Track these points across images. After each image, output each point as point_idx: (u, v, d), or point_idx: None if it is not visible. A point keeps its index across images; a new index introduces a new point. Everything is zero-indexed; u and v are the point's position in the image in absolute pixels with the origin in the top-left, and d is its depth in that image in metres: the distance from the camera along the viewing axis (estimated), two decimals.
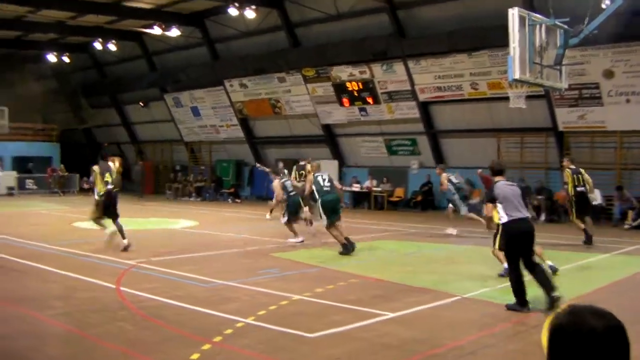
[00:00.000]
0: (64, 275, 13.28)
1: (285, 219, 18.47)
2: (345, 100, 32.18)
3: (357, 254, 16.41)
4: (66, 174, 43.31)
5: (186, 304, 10.47)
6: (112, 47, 38.93)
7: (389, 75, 30.06)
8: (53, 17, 35.61)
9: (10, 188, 40.93)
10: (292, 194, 18.46)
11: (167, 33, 35.10)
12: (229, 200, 36.82)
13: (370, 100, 31.33)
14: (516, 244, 10.31)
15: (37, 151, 44.92)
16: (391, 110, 30.99)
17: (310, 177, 17.33)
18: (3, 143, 42.87)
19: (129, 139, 47.77)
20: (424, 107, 30.00)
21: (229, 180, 39.25)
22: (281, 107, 35.30)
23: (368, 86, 31.01)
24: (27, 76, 46.09)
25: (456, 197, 20.54)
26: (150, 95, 43.19)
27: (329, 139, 34.56)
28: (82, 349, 8.43)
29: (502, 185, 10.57)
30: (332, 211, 16.77)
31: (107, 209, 16.61)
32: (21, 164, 43.85)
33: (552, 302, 9.66)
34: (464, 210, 20.43)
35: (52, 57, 42.77)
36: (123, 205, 18.70)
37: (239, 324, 9.17)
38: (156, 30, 35.00)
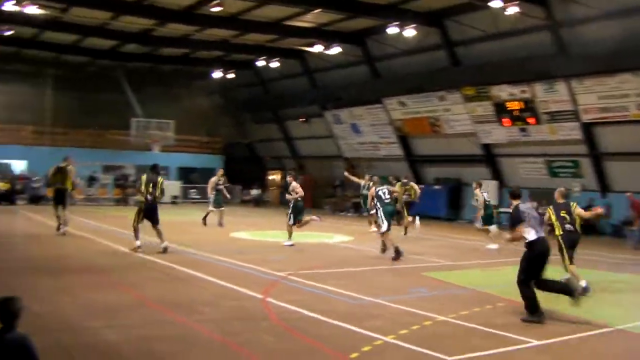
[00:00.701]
0: (215, 283, 13.74)
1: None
2: (505, 120, 31.60)
3: (509, 277, 16.04)
4: (228, 185, 44.60)
5: (329, 319, 10.55)
6: (274, 64, 39.95)
7: (550, 95, 29.25)
8: (218, 35, 36.94)
9: (175, 197, 42.72)
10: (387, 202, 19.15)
11: (328, 51, 35.66)
12: None
13: (531, 120, 30.61)
14: (538, 261, 11.21)
15: (201, 162, 46.63)
16: (554, 131, 30.15)
17: (372, 190, 19.78)
18: (169, 154, 44.83)
19: (290, 153, 48.73)
20: (587, 128, 29.04)
21: None
22: (440, 126, 35.06)
23: (529, 106, 30.32)
24: (193, 91, 48.21)
25: (481, 212, 22.74)
26: (311, 112, 43.96)
27: (488, 158, 34.02)
28: (221, 355, 8.72)
29: (525, 208, 11.47)
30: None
31: (147, 215, 18.29)
32: (185, 175, 45.85)
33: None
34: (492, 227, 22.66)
35: (217, 74, 44.32)
36: (282, 219, 19.58)
37: (378, 342, 9.16)
38: (317, 49, 35.63)
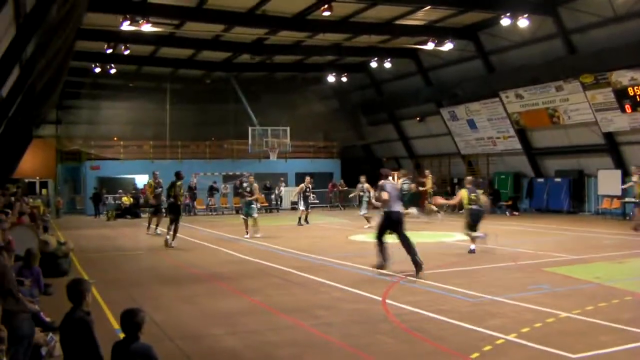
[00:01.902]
0: (333, 286, 13.87)
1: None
2: (627, 107, 30.52)
3: (636, 269, 15.54)
4: (346, 188, 44.84)
5: (449, 319, 10.49)
6: (387, 65, 39.86)
7: None
8: (329, 40, 37.01)
9: (294, 203, 43.16)
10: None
11: (440, 48, 35.33)
12: (507, 213, 36.21)
13: None
14: (390, 226, 15.32)
15: (319, 167, 47.04)
16: None
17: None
18: (286, 160, 45.49)
19: (407, 153, 48.48)
20: None
21: (507, 192, 38.59)
22: (559, 117, 34.18)
23: None
24: (308, 97, 48.61)
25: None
26: (426, 110, 43.65)
27: (611, 147, 32.94)
28: (341, 359, 8.76)
29: (389, 185, 15.59)
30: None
31: (172, 212, 22.82)
32: (303, 180, 46.24)
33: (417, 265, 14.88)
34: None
35: (331, 78, 44.54)
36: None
37: (499, 341, 9.04)
38: (429, 46, 35.33)
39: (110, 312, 11.33)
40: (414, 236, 23.46)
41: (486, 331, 9.62)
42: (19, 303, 6.62)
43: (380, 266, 15.40)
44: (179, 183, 23.04)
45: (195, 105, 48.80)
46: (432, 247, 21.07)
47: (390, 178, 16.15)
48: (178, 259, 19.41)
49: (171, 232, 22.56)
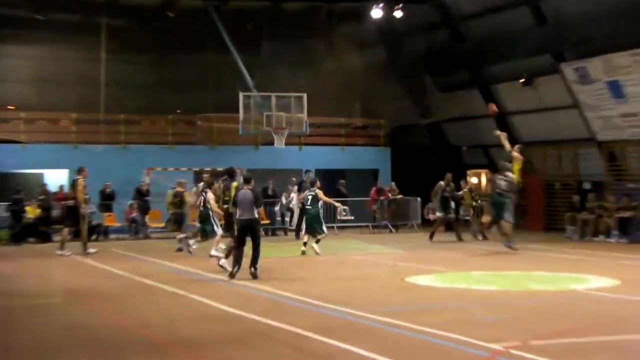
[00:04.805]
0: None
1: None
2: None
3: None
4: (399, 196, 44.23)
5: None
6: None
7: None
8: None
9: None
10: None
11: None
12: None
13: None
14: (243, 232, 24.31)
15: (355, 161, 46.80)
16: None
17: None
18: (301, 149, 45.24)
19: None
20: None
21: None
22: None
23: None
24: (338, 44, 48.08)
25: None
26: (536, 66, 43.08)
27: None
28: None
29: (242, 191, 24.73)
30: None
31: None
32: (331, 181, 44.76)
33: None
34: None
35: (376, 12, 44.03)
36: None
37: None
38: None
39: None
40: (528, 278, 23.36)
41: None
42: None
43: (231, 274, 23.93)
44: (235, 184, 27.87)
45: (150, 55, 48.65)
46: (553, 299, 20.63)
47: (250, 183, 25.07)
48: (119, 312, 19.08)
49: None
